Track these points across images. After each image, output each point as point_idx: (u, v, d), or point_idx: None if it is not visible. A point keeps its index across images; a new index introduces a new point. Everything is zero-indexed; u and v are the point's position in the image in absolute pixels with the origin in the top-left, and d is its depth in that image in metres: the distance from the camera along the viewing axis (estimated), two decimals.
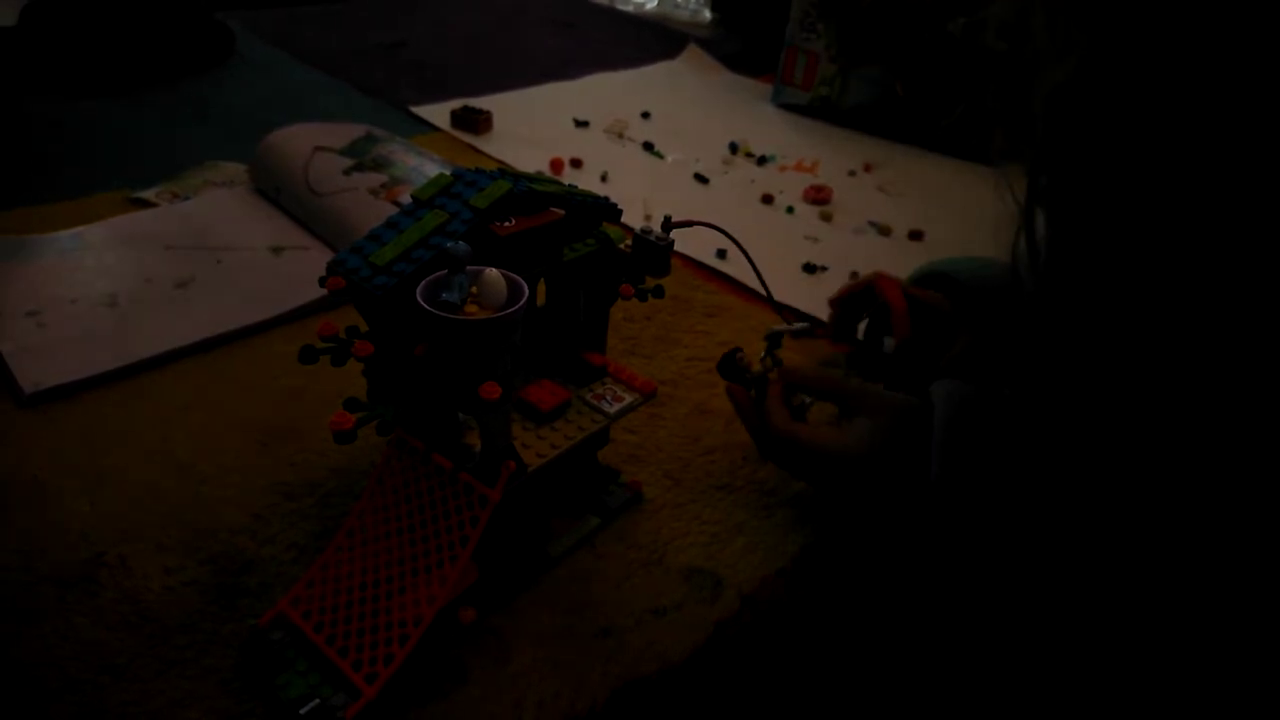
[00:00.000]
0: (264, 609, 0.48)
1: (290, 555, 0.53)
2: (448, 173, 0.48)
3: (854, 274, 0.96)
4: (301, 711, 0.43)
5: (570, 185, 0.54)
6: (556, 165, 1.14)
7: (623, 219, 1.08)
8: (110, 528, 0.54)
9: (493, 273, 0.41)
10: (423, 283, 0.42)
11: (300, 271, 0.81)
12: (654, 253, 0.53)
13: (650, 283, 0.56)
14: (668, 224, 0.55)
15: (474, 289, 0.42)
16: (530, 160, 1.15)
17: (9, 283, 0.74)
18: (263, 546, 0.54)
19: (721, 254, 0.96)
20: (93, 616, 0.48)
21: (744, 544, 0.57)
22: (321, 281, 0.46)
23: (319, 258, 0.84)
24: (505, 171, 0.49)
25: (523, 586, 0.53)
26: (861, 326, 0.71)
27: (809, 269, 0.97)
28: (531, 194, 0.47)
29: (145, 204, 0.93)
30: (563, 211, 0.49)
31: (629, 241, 0.55)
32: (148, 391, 0.66)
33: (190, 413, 0.64)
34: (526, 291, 0.42)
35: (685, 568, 0.55)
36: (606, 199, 0.54)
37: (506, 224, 0.47)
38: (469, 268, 0.42)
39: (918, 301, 0.65)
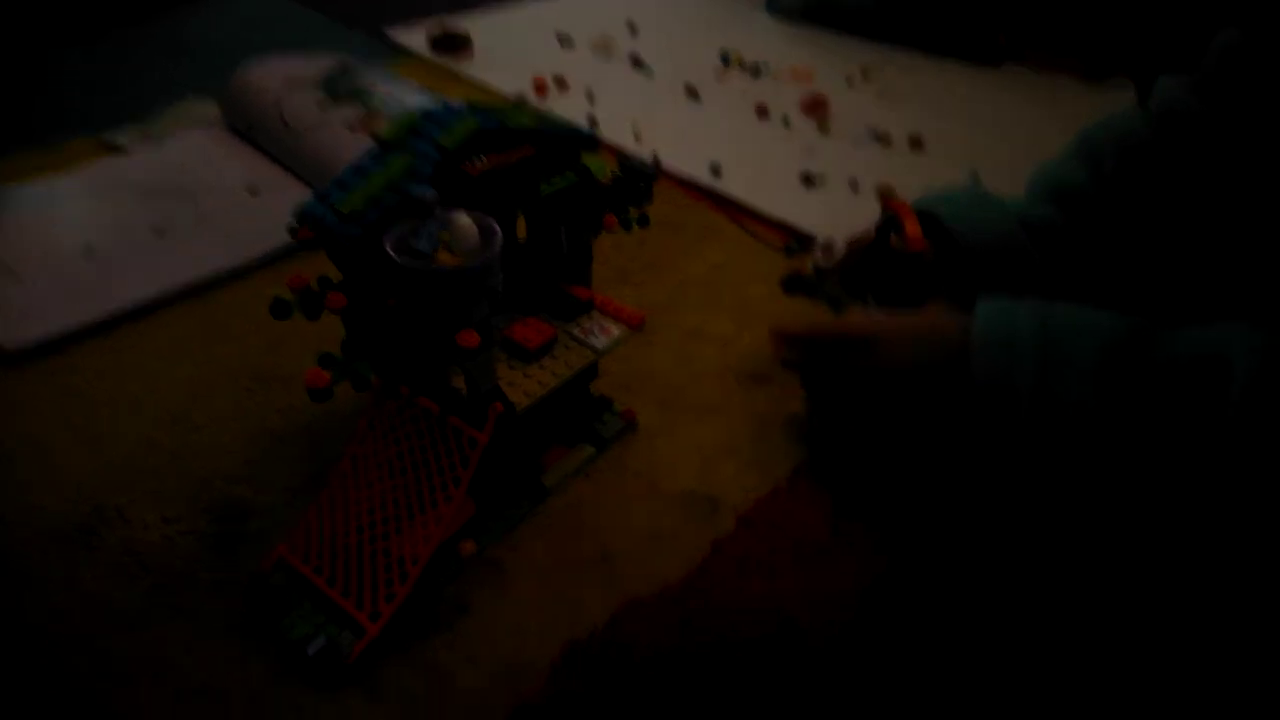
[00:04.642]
0: (264, 554, 0.49)
1: (286, 499, 0.54)
2: (414, 110, 0.46)
3: (853, 183, 0.93)
4: (309, 652, 0.43)
5: (546, 114, 0.52)
6: (540, 86, 1.10)
7: (612, 139, 1.04)
8: (106, 481, 0.54)
9: (463, 218, 0.40)
10: (391, 232, 0.40)
11: (279, 212, 0.78)
12: (636, 185, 0.51)
13: (635, 212, 0.55)
14: (655, 162, 0.52)
15: (444, 235, 0.40)
16: (514, 82, 1.11)
17: None
18: (259, 492, 0.54)
19: (716, 171, 0.94)
20: (96, 569, 0.48)
21: (738, 466, 0.57)
22: (292, 232, 0.45)
23: (297, 197, 0.82)
24: (474, 106, 0.47)
25: (520, 518, 0.53)
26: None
27: (807, 180, 0.94)
28: (502, 129, 0.45)
29: (118, 149, 0.91)
30: (534, 148, 0.47)
31: (611, 170, 0.52)
32: (133, 342, 0.65)
33: (178, 362, 0.63)
34: (499, 235, 0.41)
35: (681, 492, 0.56)
36: (583, 130, 0.52)
37: (478, 162, 0.45)
38: (438, 212, 0.40)
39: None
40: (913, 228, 0.61)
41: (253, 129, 0.90)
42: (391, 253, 0.40)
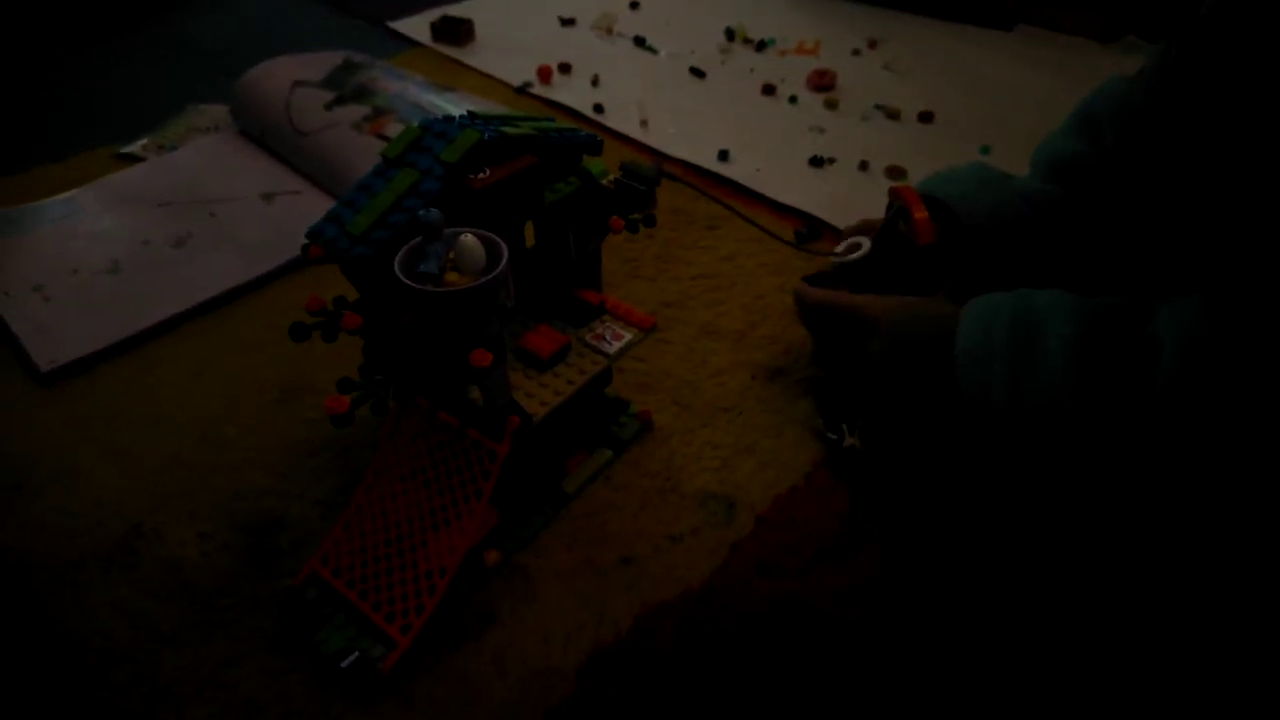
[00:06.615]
0: (298, 566, 0.50)
1: (318, 511, 0.55)
2: (415, 125, 0.46)
3: (862, 164, 0.92)
4: (342, 665, 0.45)
5: (546, 119, 0.52)
6: (545, 73, 1.09)
7: (618, 126, 1.04)
8: (141, 499, 0.56)
9: (469, 238, 0.40)
10: (400, 253, 0.41)
11: (293, 218, 0.80)
12: (638, 191, 0.51)
13: (640, 214, 0.55)
14: (657, 166, 0.53)
15: (452, 254, 0.41)
16: (517, 69, 1.10)
17: (10, 257, 0.75)
18: (290, 505, 0.55)
19: (724, 156, 0.93)
20: (137, 587, 0.50)
21: (755, 465, 0.58)
22: (304, 251, 0.46)
23: (310, 201, 0.83)
24: (475, 116, 0.47)
25: (543, 524, 0.54)
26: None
27: (816, 162, 0.93)
28: (503, 140, 0.46)
29: (132, 158, 0.92)
30: (535, 157, 0.47)
31: (613, 177, 0.53)
32: (160, 358, 0.67)
33: (204, 376, 0.65)
34: (505, 252, 0.41)
35: (699, 492, 0.56)
36: (582, 134, 0.52)
37: (481, 175, 0.45)
38: (446, 231, 0.41)
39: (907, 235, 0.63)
40: (922, 217, 0.61)
41: (263, 133, 0.91)
42: (401, 275, 0.41)
